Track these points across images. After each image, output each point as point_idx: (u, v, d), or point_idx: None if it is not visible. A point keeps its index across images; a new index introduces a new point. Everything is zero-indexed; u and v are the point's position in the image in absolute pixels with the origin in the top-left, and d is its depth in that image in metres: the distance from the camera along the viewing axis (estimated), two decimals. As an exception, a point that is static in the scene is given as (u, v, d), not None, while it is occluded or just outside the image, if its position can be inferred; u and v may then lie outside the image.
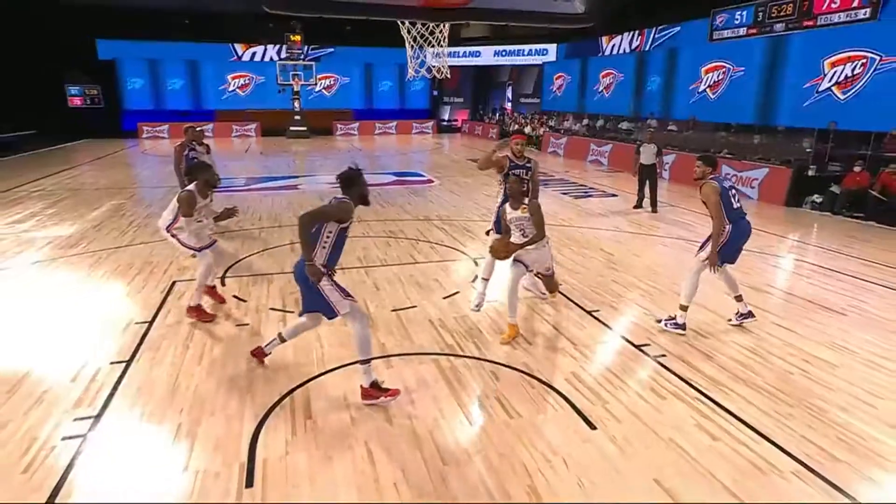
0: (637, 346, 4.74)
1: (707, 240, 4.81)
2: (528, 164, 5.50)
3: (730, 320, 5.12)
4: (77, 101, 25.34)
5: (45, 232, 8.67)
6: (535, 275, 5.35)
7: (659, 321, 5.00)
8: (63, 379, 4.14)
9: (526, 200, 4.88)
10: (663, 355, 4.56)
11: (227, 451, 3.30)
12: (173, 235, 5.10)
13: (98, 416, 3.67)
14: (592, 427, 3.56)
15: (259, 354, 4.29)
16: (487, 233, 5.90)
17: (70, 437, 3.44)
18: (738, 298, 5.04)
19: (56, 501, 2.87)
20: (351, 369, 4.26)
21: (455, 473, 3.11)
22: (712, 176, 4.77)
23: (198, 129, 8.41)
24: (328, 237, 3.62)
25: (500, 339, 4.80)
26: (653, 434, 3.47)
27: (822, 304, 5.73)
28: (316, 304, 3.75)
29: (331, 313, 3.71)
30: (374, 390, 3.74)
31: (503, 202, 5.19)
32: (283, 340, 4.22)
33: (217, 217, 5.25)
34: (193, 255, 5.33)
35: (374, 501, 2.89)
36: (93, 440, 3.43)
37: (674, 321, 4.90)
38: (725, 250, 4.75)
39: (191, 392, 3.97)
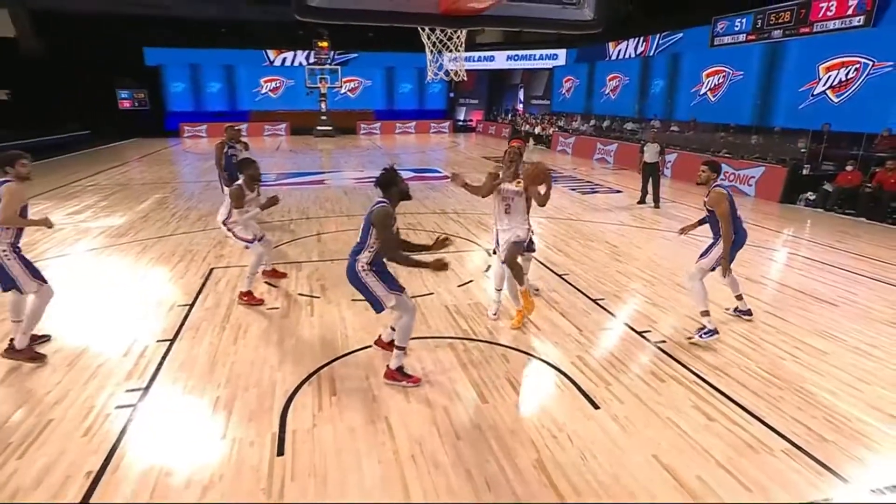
0: (639, 333, 4.71)
1: (708, 248, 4.55)
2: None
3: (727, 309, 5.04)
4: (126, 104, 25.73)
5: (98, 222, 8.86)
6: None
7: (690, 339, 4.49)
8: (116, 354, 4.25)
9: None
10: (663, 341, 4.53)
11: (260, 423, 3.36)
12: (229, 229, 5.26)
13: (146, 388, 3.77)
14: (596, 406, 3.56)
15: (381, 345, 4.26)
16: (492, 253, 5.38)
17: (122, 406, 3.54)
18: (739, 297, 4.92)
19: (109, 463, 2.96)
20: (372, 351, 4.31)
21: (468, 447, 3.13)
22: (717, 183, 4.51)
23: (235, 128, 8.50)
24: (374, 243, 3.56)
25: (510, 324, 4.78)
26: (652, 414, 3.46)
27: (814, 295, 5.63)
28: (367, 299, 3.70)
29: (378, 307, 3.66)
30: (399, 374, 3.76)
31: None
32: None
33: (262, 205, 5.29)
34: (246, 247, 5.42)
35: (394, 471, 2.93)
36: (142, 409, 3.52)
37: (704, 331, 4.46)
38: (729, 257, 4.49)
39: (227, 368, 4.05)
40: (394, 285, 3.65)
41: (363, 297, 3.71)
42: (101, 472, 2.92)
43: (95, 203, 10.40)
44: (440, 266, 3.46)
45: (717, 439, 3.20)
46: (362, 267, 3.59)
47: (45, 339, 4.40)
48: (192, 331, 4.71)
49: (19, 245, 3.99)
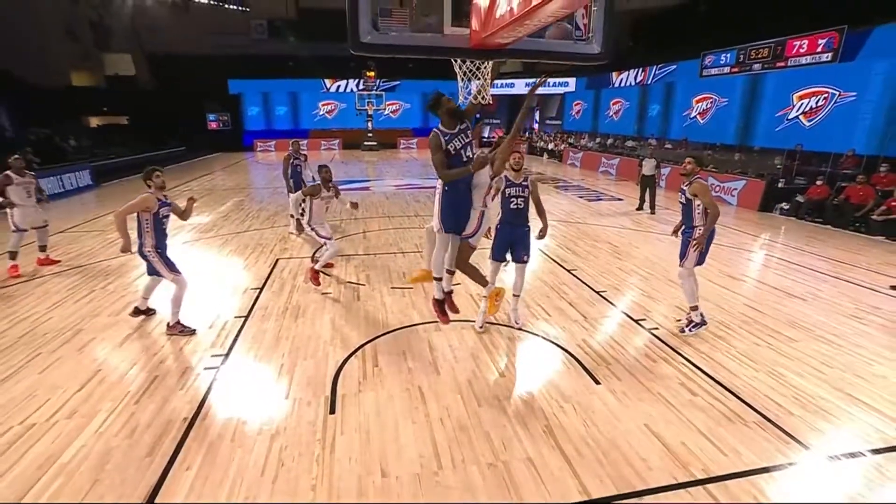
0: (635, 320, 4.61)
1: (686, 249, 4.16)
2: (526, 183, 4.19)
3: (679, 320, 4.45)
4: (213, 125, 26.56)
5: (191, 220, 9.12)
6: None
7: (682, 331, 4.23)
8: (203, 326, 4.43)
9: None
10: (656, 328, 4.42)
11: (316, 386, 3.45)
12: (312, 229, 5.44)
13: (227, 355, 3.92)
14: (597, 382, 3.52)
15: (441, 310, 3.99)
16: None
17: (209, 368, 3.70)
18: (695, 308, 4.28)
19: (200, 412, 3.11)
20: (409, 330, 4.35)
21: (487, 413, 3.14)
22: (698, 175, 4.20)
23: (299, 143, 8.69)
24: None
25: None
26: (645, 389, 3.40)
27: (786, 291, 5.43)
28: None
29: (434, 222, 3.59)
30: (437, 305, 3.76)
31: (502, 223, 4.23)
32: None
33: (352, 203, 5.56)
34: (323, 244, 5.49)
35: (425, 430, 2.96)
36: (224, 371, 3.67)
37: (693, 324, 4.23)
38: (703, 253, 4.16)
39: (289, 342, 4.16)
40: (447, 216, 3.54)
41: None
42: (195, 418, 3.08)
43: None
44: (481, 163, 3.33)
45: (699, 412, 3.15)
46: (440, 192, 3.50)
47: (152, 312, 4.64)
48: (261, 310, 4.86)
49: (161, 248, 4.23)
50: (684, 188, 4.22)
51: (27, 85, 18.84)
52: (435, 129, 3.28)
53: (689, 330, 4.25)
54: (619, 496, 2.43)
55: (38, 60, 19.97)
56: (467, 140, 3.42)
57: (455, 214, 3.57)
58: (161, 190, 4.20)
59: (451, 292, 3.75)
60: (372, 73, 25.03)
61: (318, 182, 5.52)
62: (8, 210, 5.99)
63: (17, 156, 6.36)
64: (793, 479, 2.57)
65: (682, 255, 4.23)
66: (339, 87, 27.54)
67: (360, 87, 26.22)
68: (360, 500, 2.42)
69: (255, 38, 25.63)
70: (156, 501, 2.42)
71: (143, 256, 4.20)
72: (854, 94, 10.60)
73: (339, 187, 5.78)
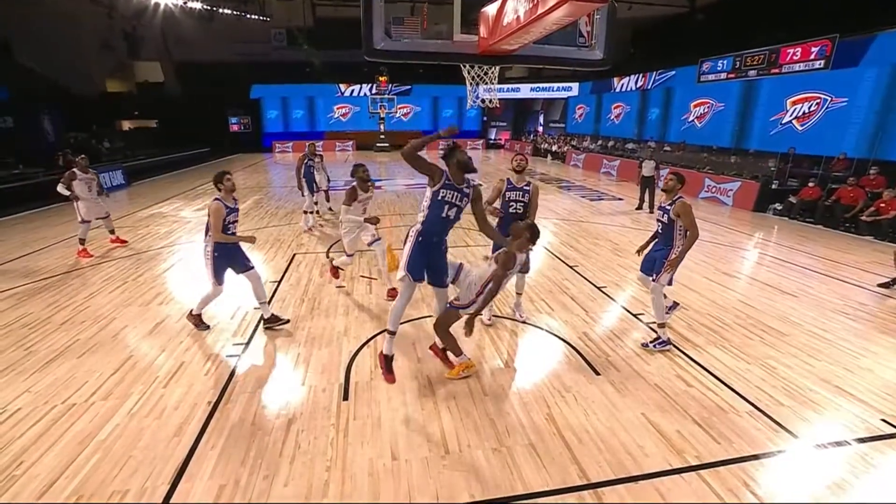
0: (634, 315, 4.58)
1: (662, 265, 3.74)
2: (527, 188, 4.02)
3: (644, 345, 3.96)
4: (235, 128, 26.73)
5: (213, 217, 9.29)
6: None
7: (645, 345, 3.87)
8: (226, 316, 4.49)
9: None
10: (654, 322, 4.37)
11: (330, 374, 3.48)
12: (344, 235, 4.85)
13: (247, 343, 3.96)
14: (597, 373, 3.50)
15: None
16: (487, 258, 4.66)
17: (231, 356, 3.74)
18: (662, 326, 3.92)
19: (223, 396, 3.15)
20: (418, 324, 4.36)
21: (492, 401, 3.14)
22: (679, 195, 3.69)
23: (315, 145, 8.71)
24: (426, 208, 3.11)
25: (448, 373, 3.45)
26: (642, 380, 3.37)
27: (778, 288, 5.36)
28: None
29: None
30: (384, 361, 3.33)
31: (501, 226, 4.03)
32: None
33: (367, 219, 4.74)
34: (348, 255, 5.01)
35: (433, 416, 2.97)
36: (245, 358, 3.71)
37: (659, 341, 3.86)
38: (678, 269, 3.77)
39: (306, 332, 4.19)
40: (414, 264, 3.05)
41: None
42: (218, 401, 3.12)
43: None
44: (451, 132, 3.02)
45: (693, 401, 3.12)
46: (412, 231, 3.10)
47: (284, 322, 4.25)
48: (279, 301, 4.89)
49: (218, 251, 3.96)
50: (667, 207, 3.72)
51: (69, 93, 19.17)
52: (444, 171, 3.04)
53: (654, 346, 3.84)
54: (617, 480, 2.42)
55: (78, 70, 20.36)
56: (460, 203, 3.07)
57: (422, 261, 3.10)
58: (230, 193, 3.94)
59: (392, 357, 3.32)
60: (384, 78, 24.98)
61: (355, 184, 4.72)
62: (75, 204, 6.48)
63: (82, 156, 6.87)
64: (781, 466, 2.55)
65: (658, 272, 3.76)
66: (353, 91, 27.52)
67: (373, 91, 26.22)
68: (371, 481, 2.44)
69: (275, 45, 25.69)
70: (183, 477, 2.46)
71: (204, 254, 4.00)
72: (845, 99, 10.46)
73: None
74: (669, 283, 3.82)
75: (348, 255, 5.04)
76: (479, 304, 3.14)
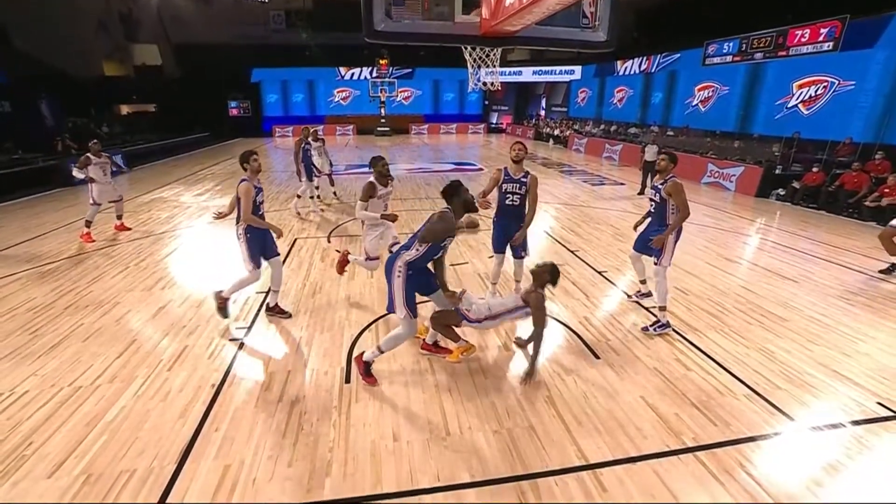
0: (634, 299, 4.57)
1: (661, 251, 3.80)
2: (524, 180, 3.91)
3: (629, 297, 4.50)
4: (234, 112, 26.44)
5: (215, 202, 9.27)
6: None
7: (645, 329, 3.89)
8: (228, 301, 4.48)
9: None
10: (654, 307, 4.37)
11: (332, 357, 3.50)
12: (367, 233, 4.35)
13: (250, 327, 3.98)
14: (597, 357, 3.52)
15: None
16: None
17: (234, 339, 3.77)
18: (644, 282, 4.40)
19: (226, 379, 3.18)
20: (420, 306, 4.34)
21: (493, 384, 3.17)
22: (672, 175, 3.78)
23: (311, 129, 8.62)
24: (421, 246, 2.88)
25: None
26: (642, 364, 3.39)
27: (779, 273, 5.33)
28: (388, 293, 3.03)
29: (390, 308, 3.00)
30: (364, 367, 3.13)
31: (497, 217, 4.08)
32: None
33: (384, 215, 4.31)
34: (368, 258, 4.46)
35: (434, 399, 3.00)
36: (247, 342, 3.74)
37: (658, 324, 3.89)
38: (674, 249, 3.84)
39: (308, 315, 4.21)
40: (411, 301, 2.94)
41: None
42: (222, 384, 3.15)
43: (213, 187, 10.87)
44: (473, 225, 2.91)
45: (692, 385, 3.14)
46: (399, 266, 2.91)
47: (286, 314, 4.17)
48: (281, 286, 4.88)
49: (250, 231, 3.81)
50: (659, 186, 3.80)
51: (66, 77, 18.90)
52: (449, 213, 2.85)
53: (654, 329, 3.86)
54: (615, 461, 2.46)
55: (75, 53, 20.03)
56: (451, 241, 3.05)
57: (413, 291, 3.02)
58: (256, 174, 3.82)
59: (371, 361, 3.14)
60: (384, 61, 24.56)
61: (373, 179, 4.18)
62: (90, 186, 6.55)
63: (94, 140, 6.91)
64: (777, 448, 2.57)
65: (659, 254, 3.82)
66: (353, 74, 27.10)
67: (374, 74, 25.80)
68: (373, 461, 2.47)
69: (274, 28, 25.20)
70: (189, 457, 2.50)
71: (237, 239, 3.86)
72: (853, 83, 10.21)
73: (353, 172, 5.47)
74: (643, 252, 3.90)
75: (371, 259, 4.40)
76: (487, 325, 3.22)
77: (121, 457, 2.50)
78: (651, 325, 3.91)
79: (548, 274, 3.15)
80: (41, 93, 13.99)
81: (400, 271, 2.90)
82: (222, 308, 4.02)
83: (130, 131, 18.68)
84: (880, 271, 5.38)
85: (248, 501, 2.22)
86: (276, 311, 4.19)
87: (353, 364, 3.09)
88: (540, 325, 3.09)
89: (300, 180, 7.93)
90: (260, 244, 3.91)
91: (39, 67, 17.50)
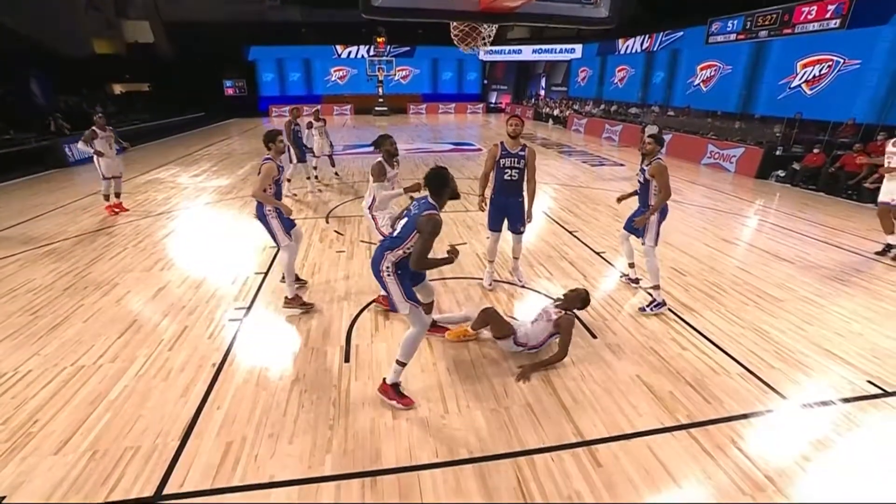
0: (632, 280, 4.57)
1: (645, 228, 3.89)
2: (522, 153, 3.84)
3: (623, 276, 4.57)
4: (230, 91, 25.90)
5: (212, 183, 9.16)
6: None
7: (642, 310, 3.90)
8: (226, 281, 4.49)
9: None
10: (650, 287, 4.38)
11: (332, 337, 3.51)
12: (373, 216, 4.02)
13: (249, 308, 3.98)
14: (594, 336, 3.53)
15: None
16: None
17: (233, 320, 3.77)
18: (632, 265, 4.39)
19: (227, 358, 3.20)
20: (419, 286, 4.34)
21: (491, 363, 3.19)
22: (658, 156, 3.84)
23: (299, 109, 8.32)
24: (412, 247, 2.61)
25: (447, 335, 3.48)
26: (638, 343, 3.41)
27: (776, 254, 5.33)
28: (386, 296, 2.83)
29: (393, 308, 2.78)
30: (393, 391, 2.76)
31: (495, 194, 4.02)
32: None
33: (407, 189, 4.11)
34: (381, 238, 3.97)
35: (433, 377, 3.02)
36: (247, 322, 3.74)
37: (654, 303, 3.90)
38: (659, 229, 3.90)
39: (306, 295, 4.19)
40: (411, 293, 2.73)
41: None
42: (222, 363, 3.16)
43: (209, 168, 10.72)
44: (455, 254, 2.74)
45: (687, 364, 3.16)
46: (387, 268, 2.66)
47: (303, 282, 4.25)
48: (280, 266, 4.80)
49: (279, 209, 3.79)
50: (644, 167, 3.86)
51: (56, 55, 18.35)
52: (437, 215, 2.60)
53: (650, 309, 3.88)
54: (610, 438, 2.49)
55: (64, 30, 19.39)
56: None
57: (412, 284, 2.90)
58: (280, 154, 3.81)
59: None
60: (382, 39, 23.93)
61: (381, 158, 4.01)
62: (97, 160, 6.62)
63: (99, 113, 7.02)
64: (768, 425, 2.61)
65: (643, 234, 3.91)
66: (350, 53, 26.45)
67: (371, 53, 25.17)
68: (373, 438, 2.50)
69: (269, 4, 24.41)
70: (192, 434, 2.53)
71: (263, 219, 3.78)
72: (858, 62, 9.96)
73: (352, 151, 5.43)
74: (641, 223, 3.92)
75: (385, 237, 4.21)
76: (528, 351, 3.25)
77: (125, 434, 2.53)
78: (647, 305, 3.93)
79: (580, 301, 3.33)
80: (30, 71, 13.63)
81: (389, 272, 2.66)
82: (303, 304, 3.89)
83: (125, 111, 18.30)
84: (876, 253, 5.38)
85: (251, 478, 2.25)
86: (288, 301, 3.91)
87: (381, 395, 2.78)
88: (564, 349, 3.12)
89: (290, 162, 7.79)
90: (284, 218, 3.89)
91: (27, 45, 16.98)
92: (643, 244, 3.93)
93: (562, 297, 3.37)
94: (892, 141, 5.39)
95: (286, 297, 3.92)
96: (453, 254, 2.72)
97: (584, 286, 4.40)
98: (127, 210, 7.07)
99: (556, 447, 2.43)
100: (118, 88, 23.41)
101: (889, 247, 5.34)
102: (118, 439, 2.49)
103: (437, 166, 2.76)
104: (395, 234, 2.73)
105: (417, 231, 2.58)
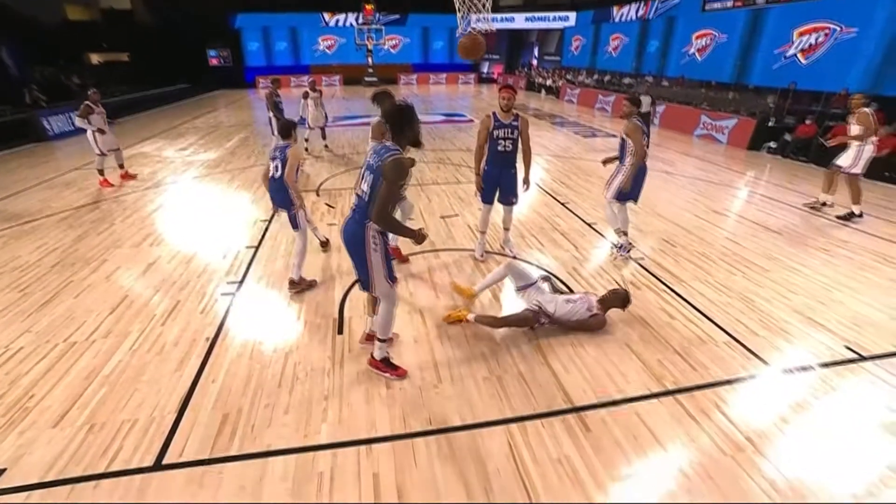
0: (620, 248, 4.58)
1: (611, 178, 4.27)
2: (515, 123, 3.80)
3: (613, 249, 4.51)
4: (215, 62, 24.78)
5: (199, 156, 8.89)
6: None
7: (614, 258, 4.22)
8: (218, 256, 4.42)
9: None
10: (642, 258, 4.41)
11: (325, 310, 3.50)
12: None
13: (241, 282, 3.94)
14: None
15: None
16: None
17: (225, 294, 3.73)
18: (624, 234, 4.37)
19: (220, 333, 3.18)
20: (411, 258, 4.32)
21: (483, 334, 3.20)
22: (636, 117, 4.09)
23: (278, 79, 8.39)
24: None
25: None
26: (628, 313, 3.43)
27: (764, 225, 5.37)
28: (359, 271, 2.56)
29: (367, 286, 2.55)
30: (383, 365, 2.74)
31: (489, 165, 3.96)
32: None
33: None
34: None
35: (425, 347, 3.04)
36: (239, 296, 3.71)
37: (621, 248, 4.18)
38: (634, 189, 4.18)
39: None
40: (392, 272, 2.54)
41: (354, 263, 2.56)
42: (216, 338, 3.15)
43: (196, 141, 10.38)
44: (422, 238, 2.46)
45: (675, 332, 3.21)
46: (372, 237, 2.41)
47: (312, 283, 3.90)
48: (271, 240, 4.81)
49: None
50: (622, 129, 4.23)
51: (25, 21, 17.24)
52: (402, 157, 2.28)
53: (620, 253, 4.29)
54: (599, 405, 2.55)
55: (30, -8, 18.14)
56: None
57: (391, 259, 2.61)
58: (296, 140, 3.82)
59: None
60: (370, 7, 22.86)
61: (379, 118, 3.83)
62: (93, 136, 6.49)
63: (93, 89, 6.84)
64: (750, 389, 2.69)
65: (609, 183, 4.35)
66: (338, 21, 25.33)
67: (360, 21, 24.09)
68: (368, 408, 2.53)
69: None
70: (189, 407, 2.53)
71: (289, 205, 3.71)
72: (855, 30, 9.72)
73: (342, 123, 5.29)
74: (631, 198, 4.27)
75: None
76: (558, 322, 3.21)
77: (121, 408, 2.53)
78: (616, 249, 4.33)
79: (620, 302, 3.28)
80: (0, 39, 12.85)
81: (376, 243, 2.41)
82: (311, 284, 3.79)
83: (104, 82, 17.45)
84: (838, 217, 5.59)
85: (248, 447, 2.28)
86: (294, 285, 3.74)
87: (372, 370, 2.76)
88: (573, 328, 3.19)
89: (272, 134, 7.59)
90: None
91: (-8, 9, 15.95)
92: (604, 195, 4.31)
93: (606, 295, 3.28)
94: (863, 112, 5.49)
95: (291, 280, 3.73)
96: (421, 236, 2.43)
97: (574, 256, 4.42)
98: (134, 177, 7.18)
99: (546, 413, 2.48)
100: (95, 58, 22.26)
101: (823, 204, 5.90)
102: (115, 412, 2.49)
103: (401, 101, 2.35)
104: (364, 197, 2.33)
105: (384, 178, 2.22)
